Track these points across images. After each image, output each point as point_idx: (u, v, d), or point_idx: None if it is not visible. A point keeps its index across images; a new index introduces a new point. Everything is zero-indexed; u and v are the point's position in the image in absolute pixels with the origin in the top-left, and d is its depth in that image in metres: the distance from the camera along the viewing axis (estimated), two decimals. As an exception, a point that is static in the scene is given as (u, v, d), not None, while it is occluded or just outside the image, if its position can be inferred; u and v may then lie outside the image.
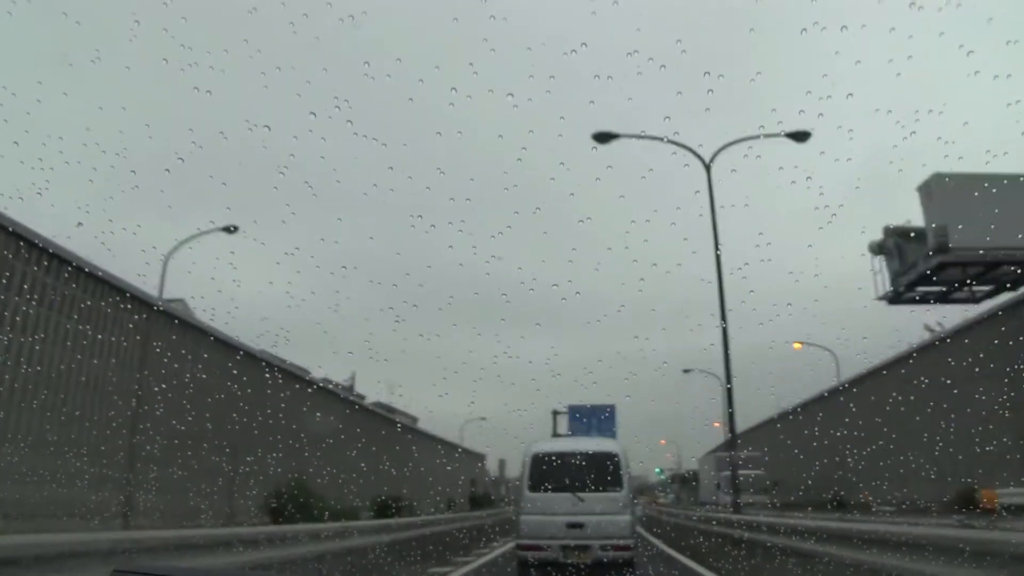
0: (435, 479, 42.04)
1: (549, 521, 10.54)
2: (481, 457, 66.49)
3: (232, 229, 22.40)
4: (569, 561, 10.27)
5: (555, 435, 44.93)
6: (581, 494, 10.60)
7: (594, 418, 45.20)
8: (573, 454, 11.20)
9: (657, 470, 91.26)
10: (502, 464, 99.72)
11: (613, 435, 38.23)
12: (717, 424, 56.37)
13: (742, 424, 58.90)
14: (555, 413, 46.40)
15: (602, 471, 10.86)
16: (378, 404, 40.53)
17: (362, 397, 38.83)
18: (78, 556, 4.84)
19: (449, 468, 49.87)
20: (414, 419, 46.38)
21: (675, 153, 20.20)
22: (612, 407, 43.66)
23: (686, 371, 39.43)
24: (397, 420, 40.63)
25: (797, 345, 33.19)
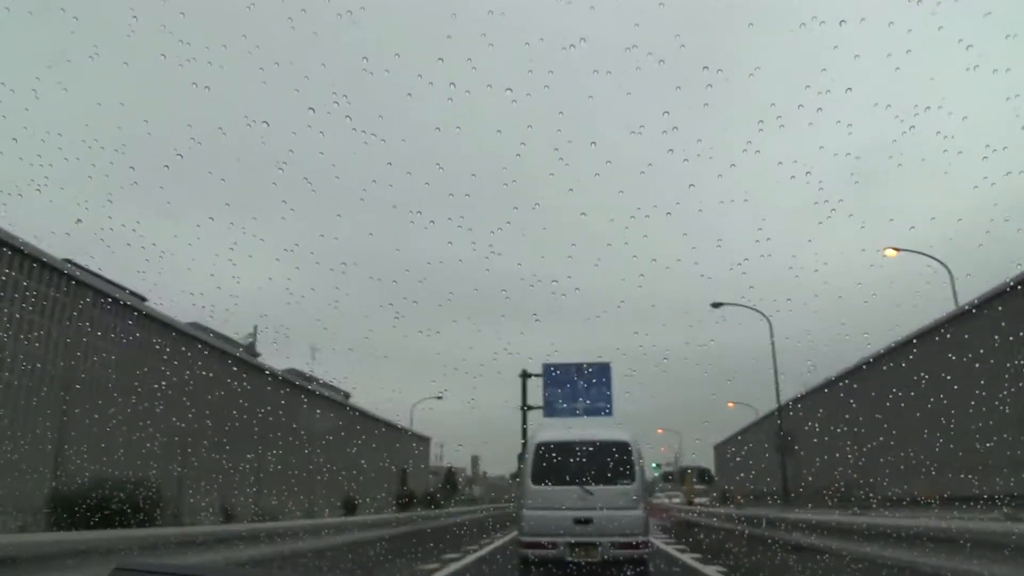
0: (337, 469, 32.56)
1: (554, 516, 9.71)
2: (425, 441, 54.01)
3: None
4: (575, 560, 9.51)
5: (524, 407, 38.43)
6: (589, 487, 9.77)
7: (581, 382, 36.44)
8: (580, 443, 10.39)
9: (654, 464, 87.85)
10: (475, 461, 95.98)
11: (608, 405, 34.53)
12: (731, 404, 50.37)
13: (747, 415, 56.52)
14: (525, 376, 38.59)
15: (612, 462, 10.03)
16: (292, 371, 33.58)
17: (256, 354, 31.34)
18: (79, 554, 4.84)
19: (372, 453, 38.60)
20: (345, 394, 39.60)
21: (671, 151, 20.09)
22: (606, 367, 35.11)
23: (716, 305, 33.23)
24: (312, 389, 33.37)
25: (891, 252, 26.01)
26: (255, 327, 32.75)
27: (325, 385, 37.09)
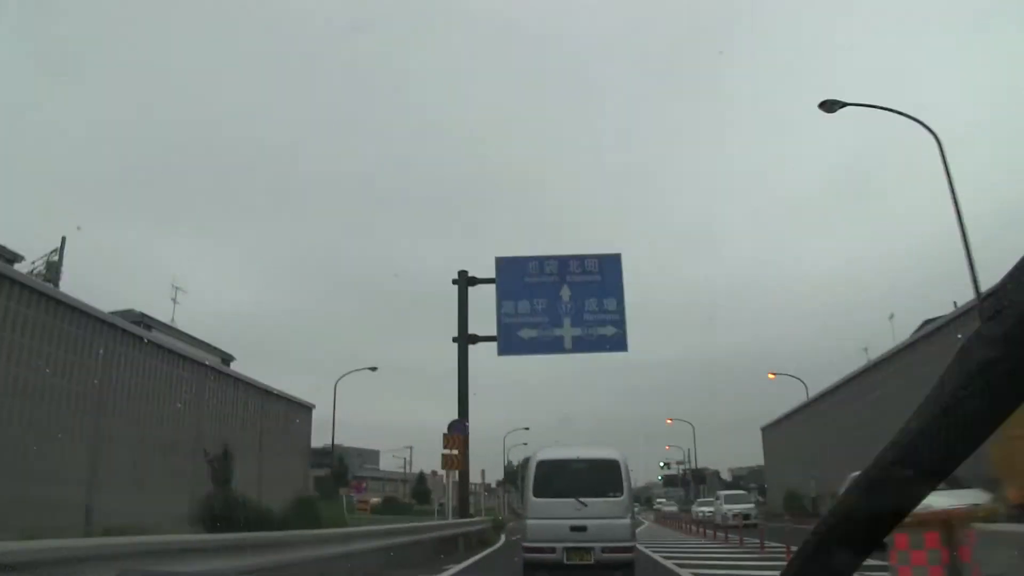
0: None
1: (553, 525, 11.00)
2: (304, 412, 35.60)
3: None
4: (572, 562, 10.80)
5: (463, 337, 23.38)
6: (584, 499, 11.06)
7: (565, 288, 21.30)
8: (576, 461, 11.88)
9: (661, 464, 78.72)
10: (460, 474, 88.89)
11: (619, 331, 21.53)
12: (772, 375, 44.67)
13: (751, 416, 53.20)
14: (464, 282, 23.20)
15: (604, 477, 11.38)
16: (130, 312, 24.63)
17: (40, 275, 22.03)
18: (82, 561, 4.79)
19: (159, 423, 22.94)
20: (224, 358, 30.52)
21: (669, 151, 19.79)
22: (614, 261, 22.10)
23: (830, 106, 20.11)
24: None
25: None
26: (63, 238, 23.45)
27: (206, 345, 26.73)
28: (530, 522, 11.51)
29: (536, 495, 11.48)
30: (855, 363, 35.96)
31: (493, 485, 77.06)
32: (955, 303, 25.05)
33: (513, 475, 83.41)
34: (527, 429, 66.89)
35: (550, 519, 11.13)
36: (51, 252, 23.14)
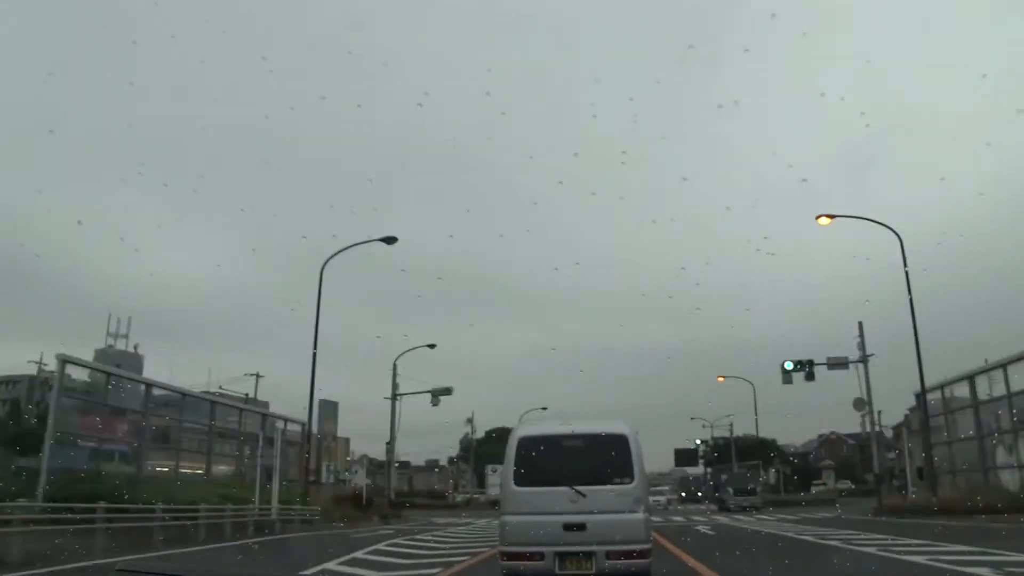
0: None
1: (541, 522, 8.51)
2: None
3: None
4: (566, 572, 8.38)
5: None
6: (581, 488, 8.60)
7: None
8: (570, 437, 9.26)
9: (698, 442, 57.43)
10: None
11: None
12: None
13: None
14: None
15: (607, 458, 8.87)
16: None
17: None
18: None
19: None
20: None
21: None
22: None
23: None
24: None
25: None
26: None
27: None
28: (509, 518, 8.87)
29: (517, 483, 8.89)
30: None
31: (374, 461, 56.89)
32: None
33: (470, 448, 70.45)
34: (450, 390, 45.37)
35: (536, 515, 8.60)
36: None
